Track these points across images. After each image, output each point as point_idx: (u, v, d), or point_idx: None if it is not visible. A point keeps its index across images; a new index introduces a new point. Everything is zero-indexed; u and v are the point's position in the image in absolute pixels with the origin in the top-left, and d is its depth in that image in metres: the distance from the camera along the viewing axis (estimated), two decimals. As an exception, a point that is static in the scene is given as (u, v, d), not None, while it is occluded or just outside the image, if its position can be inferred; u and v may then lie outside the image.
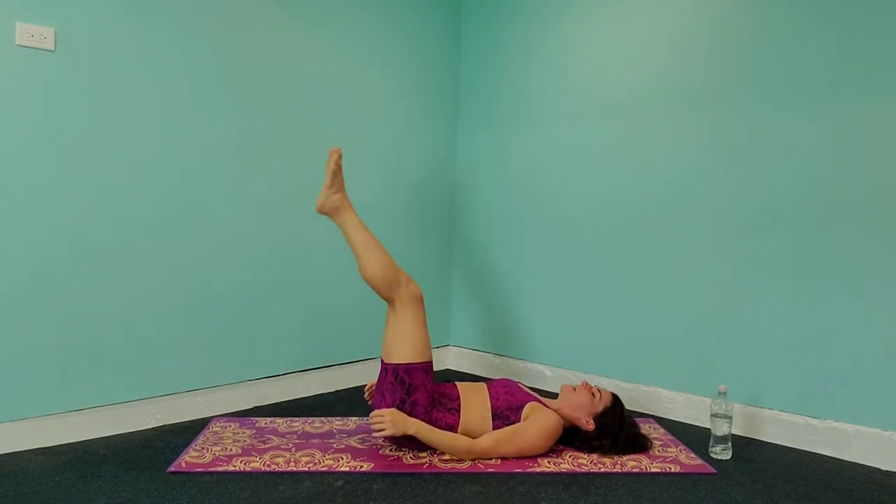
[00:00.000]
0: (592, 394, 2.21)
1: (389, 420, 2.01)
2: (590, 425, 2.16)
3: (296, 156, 2.77)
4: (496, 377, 3.22)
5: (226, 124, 2.53)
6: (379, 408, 2.12)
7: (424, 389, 2.10)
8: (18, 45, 2.03)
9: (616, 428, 2.16)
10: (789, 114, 2.38)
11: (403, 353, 2.11)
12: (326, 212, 2.24)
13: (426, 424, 2.06)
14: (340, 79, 2.91)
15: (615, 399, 2.23)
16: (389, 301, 2.18)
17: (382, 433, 2.01)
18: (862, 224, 2.23)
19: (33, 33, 2.05)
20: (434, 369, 3.35)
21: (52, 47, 2.09)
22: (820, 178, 2.32)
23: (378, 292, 2.18)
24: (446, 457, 2.07)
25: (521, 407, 2.15)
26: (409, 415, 2.07)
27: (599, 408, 2.19)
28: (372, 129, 3.05)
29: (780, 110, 2.40)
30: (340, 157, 2.23)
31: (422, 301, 2.19)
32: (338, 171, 2.22)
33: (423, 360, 2.13)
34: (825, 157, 2.31)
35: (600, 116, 2.89)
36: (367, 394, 2.37)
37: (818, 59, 2.32)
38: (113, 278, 2.26)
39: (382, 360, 2.18)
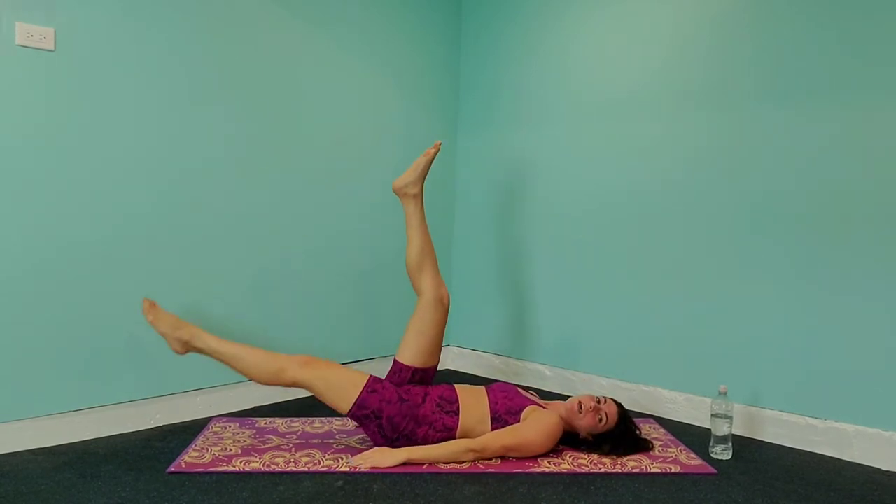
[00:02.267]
0: (599, 419, 2.14)
1: (378, 455, 2.01)
2: (589, 437, 2.17)
3: (295, 156, 2.77)
4: (496, 378, 3.22)
5: (225, 124, 2.53)
6: (375, 442, 2.14)
7: (387, 403, 2.07)
8: (18, 45, 2.03)
9: (616, 441, 2.15)
10: (789, 113, 2.38)
11: (343, 401, 2.07)
12: (188, 350, 2.16)
13: (416, 447, 2.04)
14: (340, 79, 2.91)
15: (620, 422, 2.17)
16: (293, 385, 2.10)
17: (371, 463, 1.98)
18: (863, 224, 2.23)
19: (33, 33, 2.05)
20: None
21: (52, 47, 2.09)
22: (820, 177, 2.32)
23: (278, 386, 2.13)
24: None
25: (520, 411, 2.14)
26: (394, 431, 2.07)
27: (601, 431, 2.16)
28: (372, 129, 3.05)
29: (779, 110, 2.40)
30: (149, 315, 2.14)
31: (313, 358, 2.13)
32: (161, 321, 2.13)
33: (360, 389, 2.08)
34: (825, 156, 2.31)
35: (600, 116, 2.89)
36: None
37: (818, 59, 2.32)
38: (113, 278, 2.25)
39: None
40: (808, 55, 2.34)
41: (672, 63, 2.68)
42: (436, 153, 2.39)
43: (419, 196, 2.39)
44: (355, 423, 2.14)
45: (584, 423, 2.14)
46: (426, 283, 2.31)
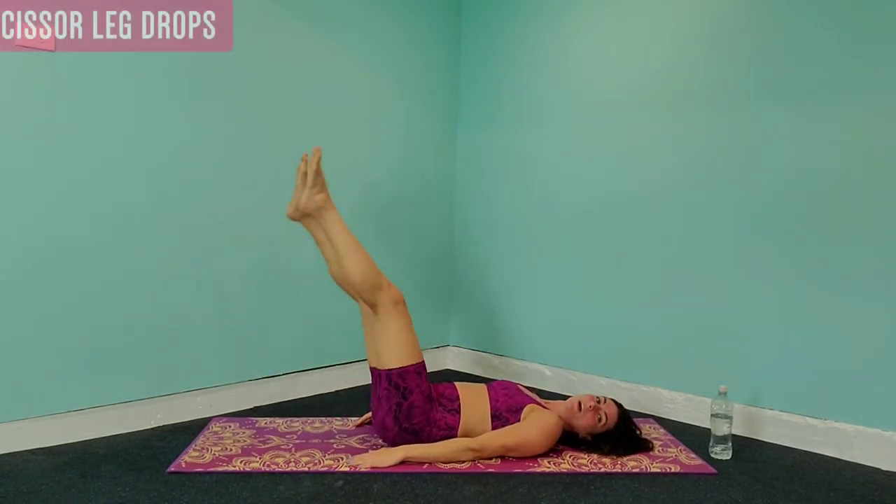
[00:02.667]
0: (599, 419, 2.14)
1: (376, 454, 2.01)
2: (588, 437, 2.16)
3: (295, 156, 2.77)
4: (496, 377, 3.22)
5: (225, 124, 2.53)
6: (377, 414, 2.12)
7: (420, 391, 2.09)
8: (18, 45, 2.03)
9: (615, 441, 2.14)
10: (790, 113, 2.38)
11: (394, 357, 2.09)
12: (309, 212, 2.19)
13: (415, 445, 2.04)
14: (341, 78, 2.91)
15: (619, 422, 2.16)
16: (372, 305, 2.12)
17: (371, 463, 1.97)
18: (863, 224, 2.23)
19: (33, 33, 2.05)
20: (434, 369, 3.35)
21: (52, 47, 2.09)
22: (820, 177, 2.31)
23: (359, 295, 2.13)
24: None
25: (521, 409, 2.14)
26: (407, 418, 2.06)
27: (600, 431, 2.16)
28: (372, 129, 3.05)
29: (780, 110, 2.40)
30: (320, 157, 2.17)
31: (405, 303, 2.16)
32: (319, 171, 2.18)
33: (415, 362, 2.10)
34: (825, 156, 2.30)
35: (600, 116, 2.89)
36: (359, 422, 2.39)
37: (818, 59, 2.31)
38: (113, 278, 2.25)
39: (373, 368, 2.15)
40: (808, 55, 2.34)
41: (672, 63, 2.67)
42: (316, 159, 2.20)
43: (329, 204, 2.23)
44: (385, 386, 2.07)
45: (584, 422, 2.14)
46: (378, 292, 2.14)
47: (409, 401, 2.07)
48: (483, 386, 2.27)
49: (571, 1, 2.99)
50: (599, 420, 2.14)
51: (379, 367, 2.11)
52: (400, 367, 2.08)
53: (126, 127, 2.27)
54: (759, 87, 2.45)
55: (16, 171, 2.05)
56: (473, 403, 2.16)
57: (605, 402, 2.19)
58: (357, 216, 2.99)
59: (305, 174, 2.19)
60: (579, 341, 2.96)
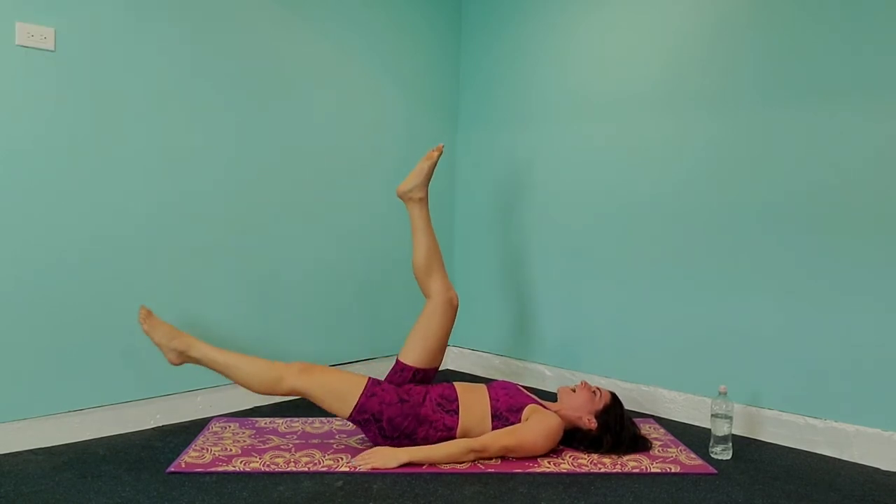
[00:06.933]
0: (592, 392, 2.21)
1: (379, 456, 2.01)
2: (592, 423, 2.16)
3: (295, 155, 2.77)
4: (496, 377, 3.22)
5: (226, 124, 2.53)
6: (375, 443, 2.14)
7: (385, 405, 2.07)
8: (18, 45, 2.03)
9: (618, 426, 2.16)
10: (794, 114, 2.37)
11: (341, 406, 2.07)
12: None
13: (418, 447, 2.04)
14: (340, 78, 2.91)
15: (615, 397, 2.24)
16: (292, 393, 2.10)
17: (372, 464, 1.98)
18: (863, 224, 2.23)
19: (33, 33, 2.05)
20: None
21: (52, 47, 2.09)
22: (822, 178, 2.31)
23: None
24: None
25: (521, 409, 2.14)
26: (396, 432, 2.07)
27: (600, 405, 2.19)
28: (372, 128, 3.04)
29: (784, 110, 2.39)
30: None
31: (309, 367, 2.11)
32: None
33: (357, 396, 2.07)
34: (828, 157, 2.30)
35: (602, 116, 2.89)
36: None
37: (826, 58, 2.30)
38: (113, 278, 2.25)
39: None
40: (815, 54, 2.33)
41: (675, 62, 2.67)
42: (439, 156, 2.39)
43: (425, 199, 2.38)
44: (359, 427, 2.14)
45: (580, 399, 2.18)
46: (435, 286, 2.31)
47: (383, 420, 2.07)
48: (483, 386, 2.27)
49: (572, 0, 2.99)
50: (594, 394, 2.20)
51: (344, 418, 2.12)
52: (354, 410, 2.07)
53: (126, 127, 2.27)
54: (764, 87, 2.44)
55: (15, 172, 2.05)
56: (472, 404, 2.16)
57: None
58: (356, 216, 2.99)
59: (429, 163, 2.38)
60: (579, 341, 2.96)
